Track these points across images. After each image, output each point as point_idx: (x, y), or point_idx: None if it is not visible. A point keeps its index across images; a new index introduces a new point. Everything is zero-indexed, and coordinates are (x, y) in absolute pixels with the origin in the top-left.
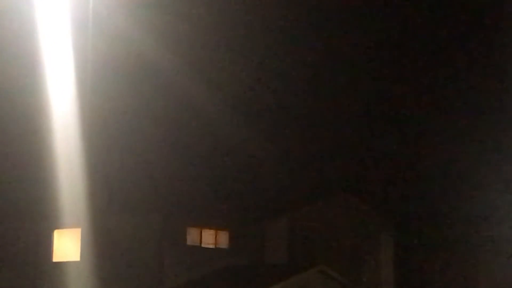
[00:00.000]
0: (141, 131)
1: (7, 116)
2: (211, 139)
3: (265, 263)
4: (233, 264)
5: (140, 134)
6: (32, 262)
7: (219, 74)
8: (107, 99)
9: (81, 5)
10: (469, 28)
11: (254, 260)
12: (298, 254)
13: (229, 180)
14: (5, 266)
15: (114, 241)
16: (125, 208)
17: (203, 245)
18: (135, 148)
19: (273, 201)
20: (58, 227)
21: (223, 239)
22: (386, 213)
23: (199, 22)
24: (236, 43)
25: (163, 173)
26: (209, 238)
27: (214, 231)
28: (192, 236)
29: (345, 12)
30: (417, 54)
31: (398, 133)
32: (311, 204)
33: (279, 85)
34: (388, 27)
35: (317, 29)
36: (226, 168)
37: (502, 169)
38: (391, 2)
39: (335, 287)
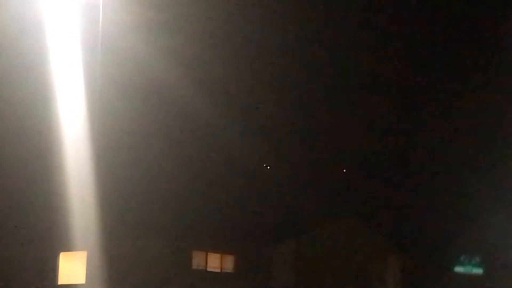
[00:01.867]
0: (149, 154)
1: (15, 138)
2: (219, 163)
3: (271, 287)
4: None
5: (148, 157)
6: (37, 284)
7: (229, 92)
8: (116, 120)
9: (91, 25)
10: (469, 29)
11: (260, 285)
12: (304, 279)
13: (235, 204)
14: None
15: (119, 265)
16: (131, 232)
17: (208, 269)
18: (142, 171)
19: (280, 226)
20: (64, 250)
21: (229, 263)
22: (393, 237)
23: (207, 41)
24: (246, 60)
25: (169, 197)
26: (214, 262)
27: (220, 255)
28: (197, 260)
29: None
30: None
31: (404, 157)
32: (317, 229)
33: (289, 106)
34: (387, 30)
35: (324, 37)
36: (232, 193)
37: (508, 193)
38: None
39: None
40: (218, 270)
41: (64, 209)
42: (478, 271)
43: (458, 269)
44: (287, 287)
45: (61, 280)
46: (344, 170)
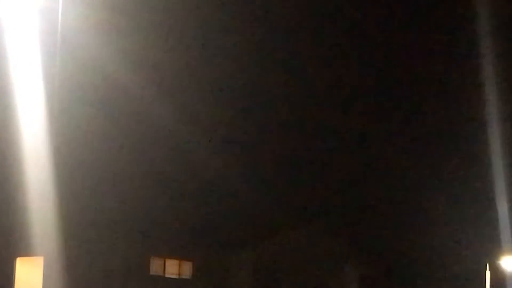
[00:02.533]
0: (109, 159)
1: None
2: (179, 171)
3: None
4: None
5: (106, 162)
6: None
7: (187, 94)
8: (75, 123)
9: (49, 27)
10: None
11: None
12: (262, 286)
13: (194, 211)
14: None
15: (77, 270)
16: (89, 237)
17: (166, 275)
18: (102, 177)
19: (238, 232)
20: (20, 255)
21: (187, 269)
22: (351, 246)
23: (166, 44)
24: (205, 63)
25: (128, 203)
26: (172, 268)
27: (178, 261)
28: (155, 266)
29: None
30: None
31: (367, 166)
32: (275, 236)
33: (252, 117)
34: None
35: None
36: (191, 200)
37: (473, 208)
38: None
39: None
40: (176, 276)
41: (21, 214)
42: None
43: None
44: None
45: (18, 286)
46: None
